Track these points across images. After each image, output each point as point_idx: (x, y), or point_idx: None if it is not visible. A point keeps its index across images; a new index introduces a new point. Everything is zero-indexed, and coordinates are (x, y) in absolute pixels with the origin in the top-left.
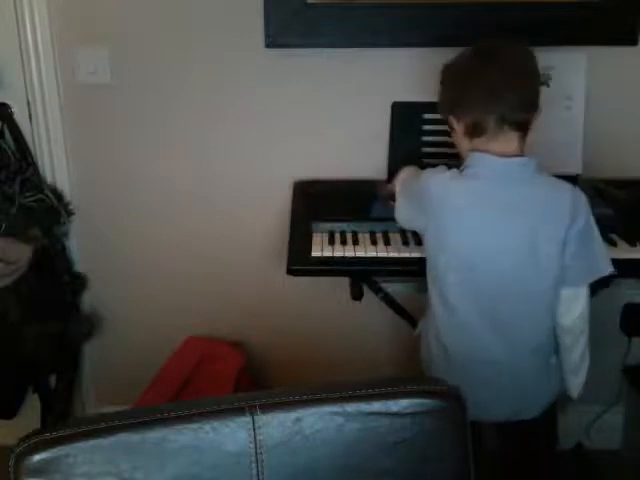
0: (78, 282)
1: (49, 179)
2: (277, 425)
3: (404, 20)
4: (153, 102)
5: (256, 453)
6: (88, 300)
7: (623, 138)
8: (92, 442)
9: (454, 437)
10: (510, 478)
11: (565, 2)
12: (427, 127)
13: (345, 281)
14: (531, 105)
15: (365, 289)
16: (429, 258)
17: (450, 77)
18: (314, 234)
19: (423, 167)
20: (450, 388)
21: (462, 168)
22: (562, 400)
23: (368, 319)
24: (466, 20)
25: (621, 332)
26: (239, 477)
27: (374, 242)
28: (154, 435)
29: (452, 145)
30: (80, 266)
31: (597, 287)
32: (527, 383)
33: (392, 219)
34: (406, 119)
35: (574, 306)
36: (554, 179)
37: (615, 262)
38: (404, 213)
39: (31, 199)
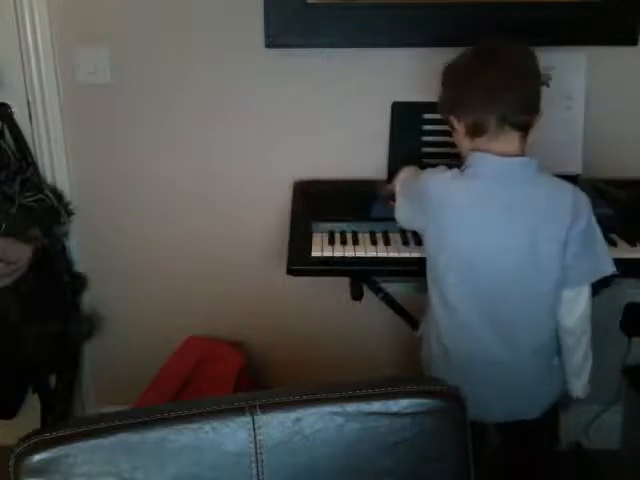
0: (78, 282)
1: (49, 179)
2: (277, 425)
3: (404, 20)
4: (153, 102)
5: (256, 453)
6: (88, 300)
7: (623, 138)
8: (92, 442)
9: (454, 437)
10: (510, 478)
11: (565, 2)
12: (427, 127)
13: (345, 281)
14: (532, 107)
15: (365, 289)
16: (429, 258)
17: (451, 77)
18: (314, 234)
19: (423, 167)
20: (450, 388)
21: (463, 168)
22: (563, 400)
23: (368, 319)
24: (466, 20)
25: (621, 332)
26: (239, 477)
27: (374, 242)
28: (154, 435)
29: (452, 145)
30: (80, 266)
31: (598, 287)
32: (528, 383)
33: (392, 219)
34: (406, 119)
35: (576, 306)
36: (555, 179)
37: (615, 262)
38: (404, 213)
39: (31, 199)
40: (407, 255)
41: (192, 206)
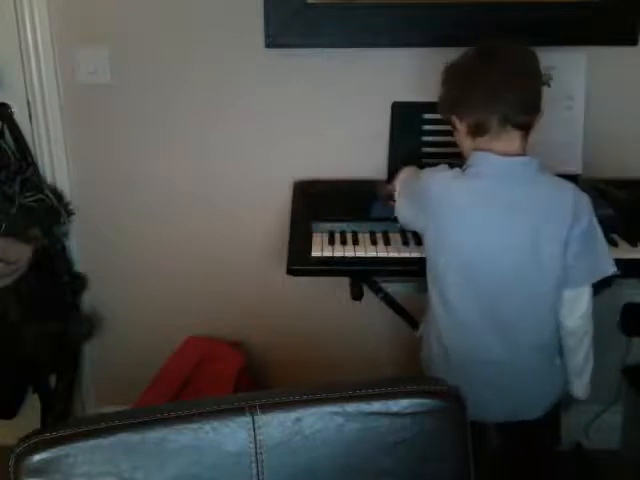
0: (78, 282)
1: (49, 179)
2: (277, 425)
3: (404, 20)
4: (153, 102)
5: (256, 453)
6: (88, 300)
7: (623, 138)
8: (92, 442)
9: (454, 437)
10: (510, 478)
11: (565, 2)
12: (427, 127)
13: (345, 281)
14: (533, 107)
15: (365, 289)
16: (429, 258)
17: (452, 77)
18: (314, 234)
19: (423, 167)
20: (450, 388)
21: (464, 167)
22: (565, 400)
23: (368, 319)
24: (466, 20)
25: (621, 332)
26: (239, 477)
27: (374, 242)
28: (154, 435)
29: (452, 145)
30: (80, 266)
31: (599, 287)
32: (528, 384)
33: (392, 219)
34: (406, 119)
35: (577, 306)
36: (556, 178)
37: (616, 262)
38: (404, 213)
39: (31, 199)
40: (407, 255)
41: (192, 206)
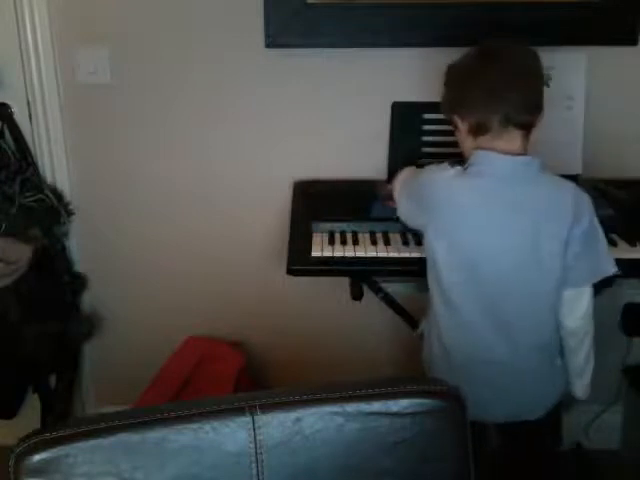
0: (78, 282)
1: (49, 179)
2: (277, 425)
3: (404, 20)
4: (153, 102)
5: (256, 453)
6: (88, 300)
7: (623, 138)
8: (92, 442)
9: (454, 437)
10: (510, 478)
11: (565, 2)
12: (427, 127)
13: (345, 281)
14: (535, 107)
15: (365, 289)
16: (430, 257)
17: (453, 77)
18: (314, 234)
19: (423, 167)
20: (450, 388)
21: (466, 166)
22: (566, 400)
23: (368, 319)
24: (466, 20)
25: (621, 332)
26: (239, 477)
27: (374, 242)
28: (154, 435)
29: (452, 145)
30: (80, 266)
31: (600, 287)
32: (528, 384)
33: (392, 219)
34: (406, 119)
35: (577, 306)
36: (557, 178)
37: (616, 262)
38: (405, 212)
39: (31, 199)
40: (407, 255)
41: (192, 206)
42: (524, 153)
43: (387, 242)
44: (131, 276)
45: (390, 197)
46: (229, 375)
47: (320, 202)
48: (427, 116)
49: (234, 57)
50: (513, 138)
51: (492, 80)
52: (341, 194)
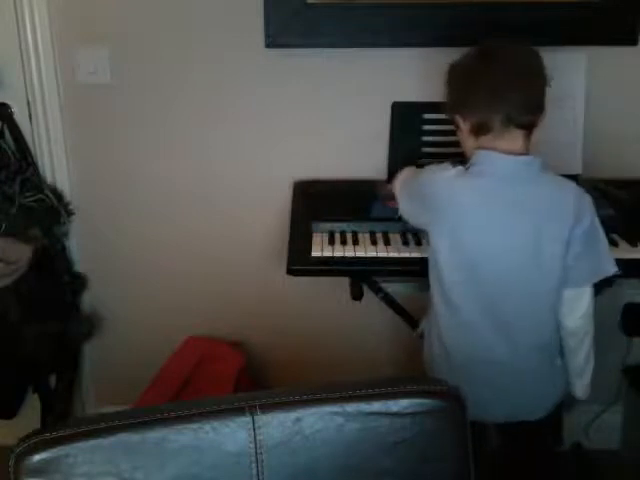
0: (78, 282)
1: (49, 179)
2: (277, 425)
3: (404, 20)
4: (153, 102)
5: (256, 453)
6: (88, 300)
7: (623, 138)
8: (92, 442)
9: (454, 437)
10: (510, 478)
11: (565, 2)
12: (427, 127)
13: (345, 281)
14: (537, 107)
15: (365, 289)
16: (432, 256)
17: (455, 77)
18: (314, 234)
19: (423, 167)
20: (450, 388)
21: (467, 166)
22: (567, 401)
23: (368, 319)
24: (466, 20)
25: (621, 332)
26: (239, 477)
27: (374, 242)
28: (154, 435)
29: (452, 145)
30: (80, 266)
31: (600, 286)
32: (529, 383)
33: (392, 219)
34: (406, 119)
35: (577, 306)
36: (558, 178)
37: (616, 262)
38: (407, 212)
39: (31, 199)
40: (407, 255)
41: (192, 206)
42: (526, 153)
43: (387, 242)
44: (131, 276)
45: (390, 197)
46: (229, 375)
47: (320, 202)
48: (427, 116)
49: (234, 57)
50: (515, 138)
51: (494, 80)
52: (341, 194)
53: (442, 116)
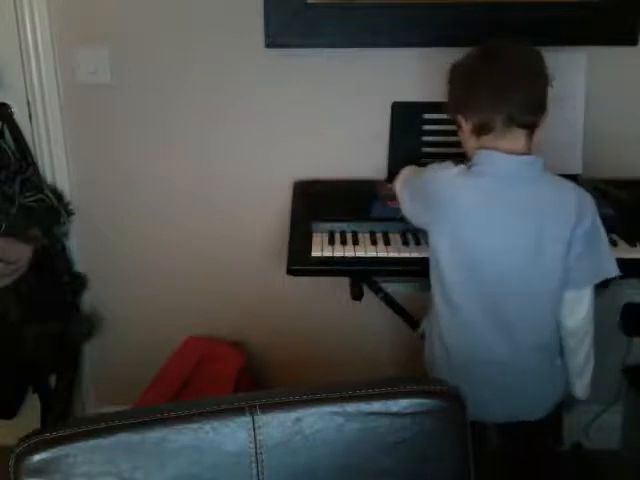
0: (78, 282)
1: (49, 179)
2: (277, 425)
3: (404, 20)
4: (153, 102)
5: (256, 453)
6: (88, 300)
7: (623, 138)
8: (92, 442)
9: (454, 437)
10: (510, 478)
11: (565, 2)
12: (427, 127)
13: (345, 281)
14: (539, 107)
15: (365, 289)
16: (433, 256)
17: (457, 77)
18: (314, 234)
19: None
20: (450, 388)
21: (469, 165)
22: (568, 401)
23: (368, 319)
24: (466, 20)
25: (621, 332)
26: (239, 477)
27: (374, 242)
28: (154, 435)
29: (452, 145)
30: (80, 266)
31: (597, 287)
32: (530, 384)
33: (392, 219)
34: (406, 119)
35: (578, 308)
36: (559, 178)
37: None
38: (409, 211)
39: (31, 199)
40: (407, 255)
41: (192, 206)
42: (528, 153)
43: (387, 242)
44: (131, 276)
45: (390, 197)
46: (229, 375)
47: (320, 202)
48: (427, 116)
49: (234, 57)
50: (517, 138)
51: (496, 80)
52: (341, 194)
53: (442, 116)
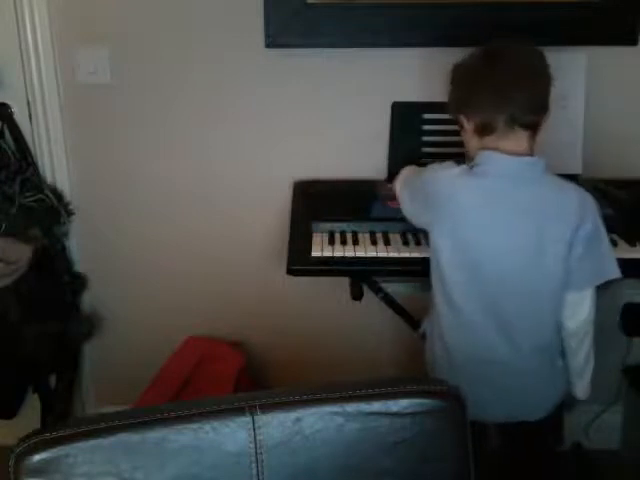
0: (78, 282)
1: (49, 179)
2: (277, 425)
3: (404, 20)
4: (153, 102)
5: (256, 453)
6: (88, 300)
7: (623, 138)
8: (92, 442)
9: (454, 437)
10: (510, 478)
11: (565, 2)
12: (427, 127)
13: (345, 281)
14: (541, 107)
15: (365, 289)
16: (434, 256)
17: (459, 77)
18: (314, 234)
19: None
20: (450, 388)
21: (471, 165)
22: (568, 401)
23: (368, 319)
24: (466, 20)
25: (621, 332)
26: (239, 477)
27: (374, 242)
28: (154, 435)
29: (452, 145)
30: (80, 266)
31: (597, 288)
32: (529, 384)
33: (392, 219)
34: (406, 119)
35: (579, 309)
36: (561, 179)
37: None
38: (410, 211)
39: (31, 199)
40: (407, 255)
41: (192, 206)
42: (530, 154)
43: (387, 242)
44: (131, 276)
45: (390, 197)
46: (229, 375)
47: (320, 202)
48: (427, 116)
49: (234, 57)
50: (519, 139)
51: (498, 80)
52: (341, 194)
53: (442, 116)
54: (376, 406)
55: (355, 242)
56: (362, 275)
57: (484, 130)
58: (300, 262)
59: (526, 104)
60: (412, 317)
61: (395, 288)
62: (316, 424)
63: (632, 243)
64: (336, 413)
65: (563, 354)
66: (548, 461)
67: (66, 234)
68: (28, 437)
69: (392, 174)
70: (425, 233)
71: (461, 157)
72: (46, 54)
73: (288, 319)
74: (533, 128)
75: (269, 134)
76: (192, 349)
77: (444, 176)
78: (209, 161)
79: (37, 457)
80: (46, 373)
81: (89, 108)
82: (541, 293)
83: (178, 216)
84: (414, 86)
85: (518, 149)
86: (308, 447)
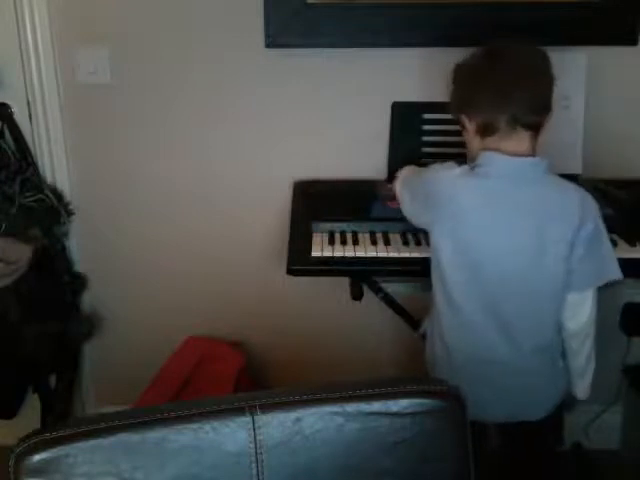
0: (78, 282)
1: (49, 179)
2: (277, 425)
3: (404, 20)
4: (153, 102)
5: (256, 453)
6: (88, 300)
7: (623, 138)
8: (92, 442)
9: (454, 437)
10: (510, 478)
11: (565, 2)
12: (427, 127)
13: (345, 281)
14: (543, 107)
15: (365, 289)
16: (435, 256)
17: (461, 77)
18: (314, 234)
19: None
20: (450, 388)
21: (473, 166)
22: (569, 401)
23: (368, 319)
24: (466, 20)
25: (621, 332)
26: (239, 477)
27: (374, 242)
28: (154, 435)
29: (452, 145)
30: (80, 266)
31: (598, 288)
32: (529, 385)
33: (392, 219)
34: (406, 119)
35: (580, 310)
36: (561, 180)
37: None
38: (410, 211)
39: (31, 199)
40: (407, 255)
41: (192, 206)
42: (532, 154)
43: (387, 242)
44: (131, 276)
45: (390, 197)
46: (229, 375)
47: (320, 202)
48: (427, 116)
49: (234, 57)
50: (521, 139)
51: (500, 80)
52: (341, 194)
53: (442, 116)
54: (376, 406)
55: (355, 242)
56: (362, 275)
57: (486, 130)
58: (300, 262)
59: (527, 104)
60: (412, 317)
61: (395, 288)
62: (316, 424)
63: (632, 243)
64: (336, 413)
65: (564, 354)
66: (548, 461)
67: (66, 234)
68: (28, 437)
69: (392, 174)
70: (425, 233)
71: (461, 157)
72: (46, 54)
73: (288, 319)
74: (535, 128)
75: (269, 134)
76: (192, 349)
77: (445, 176)
78: (209, 161)
79: (37, 457)
80: (46, 373)
81: (89, 108)
82: (542, 293)
83: (178, 216)
84: (414, 86)
85: (520, 149)
86: (308, 447)
